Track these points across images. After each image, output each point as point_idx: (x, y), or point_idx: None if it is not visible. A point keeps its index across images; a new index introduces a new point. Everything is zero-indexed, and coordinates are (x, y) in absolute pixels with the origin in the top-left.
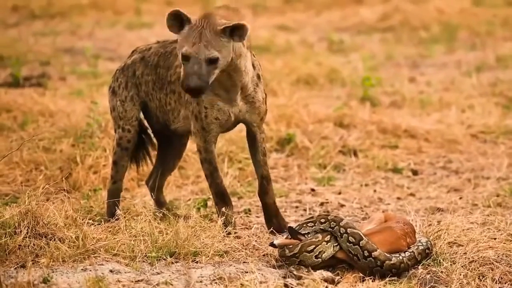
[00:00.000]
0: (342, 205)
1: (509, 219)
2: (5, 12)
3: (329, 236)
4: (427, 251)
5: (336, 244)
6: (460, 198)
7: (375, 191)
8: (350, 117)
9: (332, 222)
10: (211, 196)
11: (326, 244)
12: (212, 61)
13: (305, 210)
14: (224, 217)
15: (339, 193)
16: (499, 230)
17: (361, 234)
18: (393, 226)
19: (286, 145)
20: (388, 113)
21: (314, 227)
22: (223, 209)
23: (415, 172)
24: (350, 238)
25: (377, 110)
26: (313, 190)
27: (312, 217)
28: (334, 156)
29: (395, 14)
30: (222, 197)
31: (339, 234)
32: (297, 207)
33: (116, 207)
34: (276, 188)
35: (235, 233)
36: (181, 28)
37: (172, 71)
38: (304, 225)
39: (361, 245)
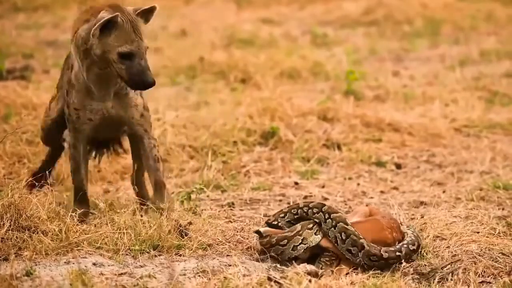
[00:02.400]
0: (326, 199)
1: (492, 213)
2: None
3: (311, 224)
4: (413, 250)
5: (318, 230)
6: (444, 192)
7: (358, 184)
8: (334, 111)
9: (314, 209)
10: (194, 189)
11: (309, 231)
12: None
13: (288, 203)
14: (77, 216)
15: (323, 187)
16: (482, 224)
17: (346, 218)
18: (379, 219)
19: (269, 139)
20: (371, 106)
21: (286, 217)
22: (77, 209)
23: (398, 166)
24: (334, 223)
25: (361, 104)
26: (296, 183)
27: (281, 210)
28: (318, 150)
29: (379, 8)
30: (79, 196)
31: (323, 219)
32: (280, 200)
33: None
34: (259, 182)
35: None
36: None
37: (62, 78)
38: (278, 216)
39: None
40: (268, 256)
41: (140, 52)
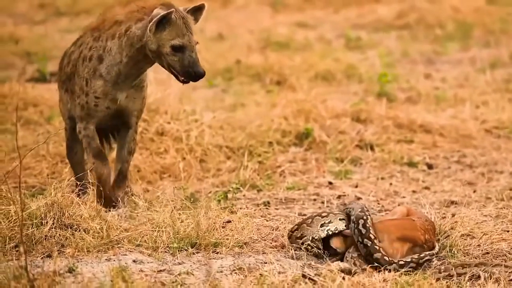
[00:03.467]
0: (359, 198)
1: None
2: (32, 9)
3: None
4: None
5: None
6: (474, 191)
7: (391, 184)
8: (367, 112)
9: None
10: (231, 189)
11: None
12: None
13: (322, 202)
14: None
15: (356, 186)
16: None
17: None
18: (414, 219)
19: (304, 140)
20: (404, 108)
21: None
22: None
23: (430, 166)
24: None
25: (393, 106)
26: (330, 183)
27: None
28: (351, 150)
29: (411, 12)
30: (101, 157)
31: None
32: (315, 199)
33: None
34: (294, 181)
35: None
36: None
37: (62, 71)
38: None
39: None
40: (303, 254)
41: (191, 45)
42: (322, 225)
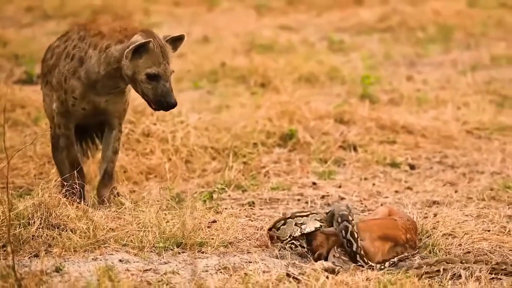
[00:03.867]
0: (342, 198)
1: (502, 212)
2: (20, 12)
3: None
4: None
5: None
6: (456, 191)
7: (374, 184)
8: (350, 114)
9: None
10: (216, 189)
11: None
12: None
13: (306, 202)
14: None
15: (340, 187)
16: (493, 222)
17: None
18: (396, 218)
19: (288, 141)
20: (386, 110)
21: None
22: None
23: (412, 167)
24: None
25: (376, 107)
26: (314, 183)
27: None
28: (335, 151)
29: (393, 15)
30: (77, 170)
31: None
32: (299, 199)
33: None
34: (279, 182)
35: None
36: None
37: (44, 64)
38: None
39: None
40: (287, 254)
41: (165, 75)
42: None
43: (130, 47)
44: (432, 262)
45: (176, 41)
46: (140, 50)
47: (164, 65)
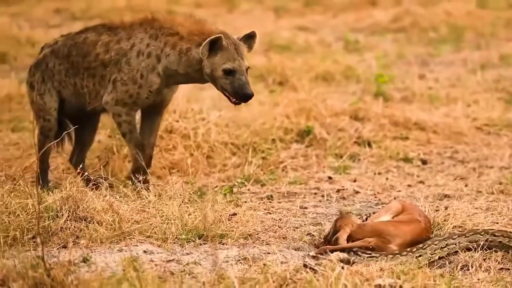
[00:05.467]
0: (357, 192)
1: (511, 205)
2: (48, 14)
3: None
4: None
5: None
6: (466, 185)
7: (387, 179)
8: (365, 111)
9: None
10: (236, 183)
11: None
12: (246, 70)
13: (323, 196)
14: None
15: (354, 181)
16: (502, 215)
17: None
18: (420, 220)
19: (305, 137)
20: (399, 107)
21: None
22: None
23: (424, 162)
24: None
25: (389, 105)
26: (330, 178)
27: None
28: (350, 147)
29: (406, 16)
30: (142, 151)
31: None
32: (315, 193)
33: (45, 181)
34: (296, 176)
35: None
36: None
37: (90, 58)
38: None
39: None
40: (304, 245)
41: (241, 69)
42: None
43: (203, 44)
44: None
45: (249, 39)
46: (215, 48)
47: (238, 61)
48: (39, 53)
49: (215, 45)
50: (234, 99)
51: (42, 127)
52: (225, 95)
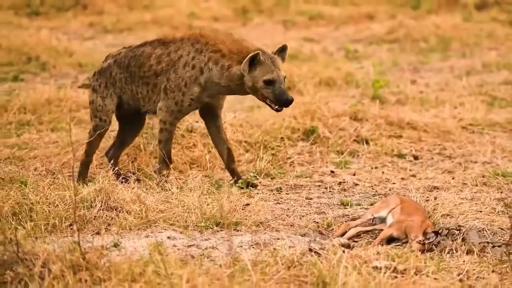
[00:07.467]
0: (356, 184)
1: (493, 195)
2: (83, 27)
3: None
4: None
5: None
6: (453, 178)
7: (383, 172)
8: (363, 112)
9: None
10: (249, 177)
11: None
12: (284, 79)
13: (326, 188)
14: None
15: (354, 175)
16: (484, 204)
17: None
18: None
19: (310, 135)
20: (394, 109)
21: None
22: (167, 170)
23: (416, 157)
24: None
25: (385, 107)
26: (332, 172)
27: None
28: (350, 144)
29: (400, 28)
30: (169, 160)
31: None
32: (319, 185)
33: (86, 175)
34: (302, 170)
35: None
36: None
37: (145, 68)
38: None
39: None
40: (310, 232)
41: (279, 79)
42: None
43: (245, 61)
44: None
45: (282, 51)
46: (254, 63)
47: (276, 72)
48: (103, 61)
49: (254, 61)
50: (276, 106)
51: (96, 126)
52: (266, 103)
